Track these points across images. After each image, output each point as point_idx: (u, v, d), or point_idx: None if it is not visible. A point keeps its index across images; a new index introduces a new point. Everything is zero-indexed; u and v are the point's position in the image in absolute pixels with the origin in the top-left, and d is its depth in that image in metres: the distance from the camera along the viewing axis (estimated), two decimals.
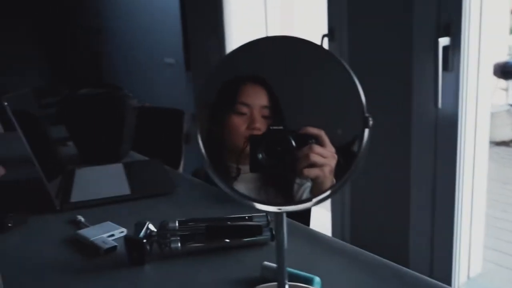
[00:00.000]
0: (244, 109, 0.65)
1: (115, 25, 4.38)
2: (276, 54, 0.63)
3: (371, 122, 0.53)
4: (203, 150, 0.57)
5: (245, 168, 0.61)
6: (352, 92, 0.55)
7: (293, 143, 0.56)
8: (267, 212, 0.82)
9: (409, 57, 1.73)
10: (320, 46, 0.58)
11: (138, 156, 1.55)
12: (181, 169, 1.93)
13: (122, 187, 1.15)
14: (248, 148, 0.58)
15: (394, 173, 1.89)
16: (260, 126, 0.62)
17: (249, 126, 0.64)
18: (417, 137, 1.78)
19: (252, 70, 0.63)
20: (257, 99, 0.64)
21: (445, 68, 1.64)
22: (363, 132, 0.54)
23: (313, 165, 0.56)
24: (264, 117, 0.64)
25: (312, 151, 0.56)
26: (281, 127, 0.57)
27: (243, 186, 0.61)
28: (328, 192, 0.55)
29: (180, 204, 1.06)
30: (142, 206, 1.06)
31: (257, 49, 0.61)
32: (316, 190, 0.57)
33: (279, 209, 0.57)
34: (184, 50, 3.33)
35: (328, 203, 2.26)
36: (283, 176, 0.59)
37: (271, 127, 0.57)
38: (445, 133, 1.71)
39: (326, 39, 2.07)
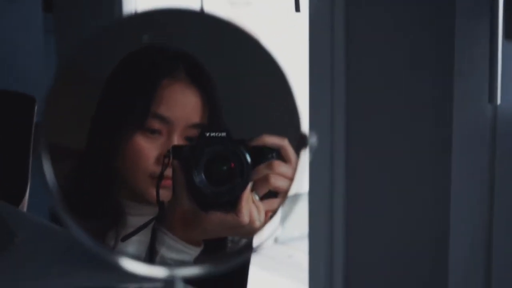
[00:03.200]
0: (158, 125, 0.62)
1: None
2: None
3: (313, 141, 0.54)
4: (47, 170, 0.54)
5: (144, 209, 0.64)
6: (287, 100, 0.57)
7: (248, 159, 0.56)
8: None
9: (448, 21, 1.71)
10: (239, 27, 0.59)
11: None
12: (25, 205, 1.86)
13: None
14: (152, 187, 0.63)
15: (425, 207, 1.84)
16: None
17: (161, 156, 0.63)
18: (460, 152, 1.77)
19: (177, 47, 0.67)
20: (184, 110, 0.61)
21: (508, 35, 1.63)
22: (298, 154, 0.56)
23: (275, 192, 0.56)
24: (189, 140, 0.64)
25: (273, 171, 0.57)
26: (223, 134, 0.58)
27: (136, 242, 0.64)
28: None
29: (20, 267, 1.06)
30: None
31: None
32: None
33: (171, 275, 0.53)
34: None
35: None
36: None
37: (207, 134, 0.58)
38: (506, 144, 1.73)
39: None
